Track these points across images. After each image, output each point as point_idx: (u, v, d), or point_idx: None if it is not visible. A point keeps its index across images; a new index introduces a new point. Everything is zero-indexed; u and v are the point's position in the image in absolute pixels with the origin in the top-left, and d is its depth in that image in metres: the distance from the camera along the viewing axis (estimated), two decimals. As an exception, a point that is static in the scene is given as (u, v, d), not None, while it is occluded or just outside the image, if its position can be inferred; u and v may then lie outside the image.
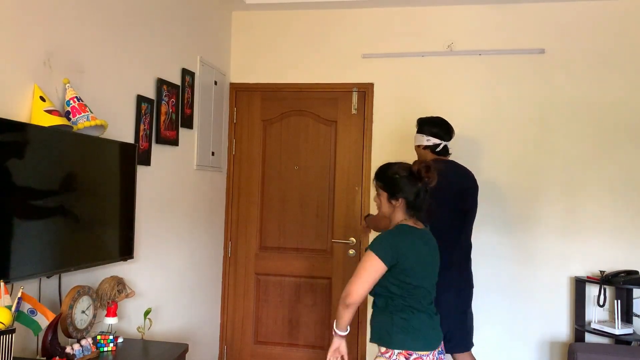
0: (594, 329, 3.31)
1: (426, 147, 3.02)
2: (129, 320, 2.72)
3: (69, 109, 2.15)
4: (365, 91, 3.90)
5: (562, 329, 3.58)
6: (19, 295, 1.74)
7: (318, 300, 3.94)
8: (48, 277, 2.10)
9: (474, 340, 3.02)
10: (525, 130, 3.67)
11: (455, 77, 3.77)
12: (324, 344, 3.90)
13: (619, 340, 3.25)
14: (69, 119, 2.14)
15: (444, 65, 3.79)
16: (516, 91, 3.69)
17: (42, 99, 2.01)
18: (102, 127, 2.23)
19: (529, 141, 3.66)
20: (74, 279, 2.28)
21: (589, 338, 3.44)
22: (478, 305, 3.65)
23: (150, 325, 2.60)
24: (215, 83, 3.77)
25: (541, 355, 3.60)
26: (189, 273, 3.46)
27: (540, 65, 3.66)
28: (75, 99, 2.17)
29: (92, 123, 2.15)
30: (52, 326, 1.97)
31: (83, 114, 2.16)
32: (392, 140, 3.82)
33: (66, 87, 2.19)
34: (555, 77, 3.64)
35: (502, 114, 3.70)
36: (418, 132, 3.08)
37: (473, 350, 2.99)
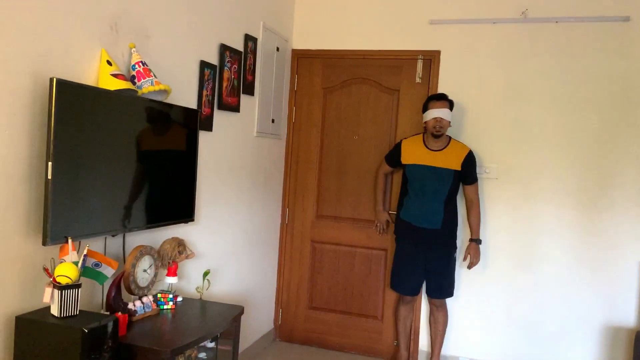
0: (665, 317, 3.13)
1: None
2: (188, 280, 2.81)
3: (134, 73, 2.20)
4: (432, 59, 3.76)
5: (630, 315, 3.41)
6: (85, 252, 1.82)
7: (373, 271, 3.93)
8: (113, 236, 2.18)
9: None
10: (604, 105, 3.43)
11: (528, 46, 3.56)
12: (378, 314, 3.91)
13: (692, 331, 3.06)
14: (134, 83, 2.18)
15: (517, 34, 3.58)
16: (596, 62, 3.44)
17: (108, 63, 2.06)
18: (165, 91, 2.26)
19: (608, 117, 3.43)
20: (137, 238, 2.37)
21: (659, 326, 3.26)
22: (539, 284, 3.54)
23: (209, 286, 2.68)
24: (278, 49, 3.75)
25: (605, 340, 3.45)
26: (247, 237, 3.53)
27: (624, 34, 3.39)
28: (140, 64, 2.21)
29: (156, 88, 2.19)
30: (116, 283, 2.06)
31: (147, 78, 2.19)
32: (458, 111, 3.68)
33: (132, 51, 2.23)
34: (638, 48, 3.36)
35: (579, 87, 3.47)
36: (452, 110, 3.35)
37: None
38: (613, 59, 3.41)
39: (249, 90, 3.36)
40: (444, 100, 3.34)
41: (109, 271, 1.97)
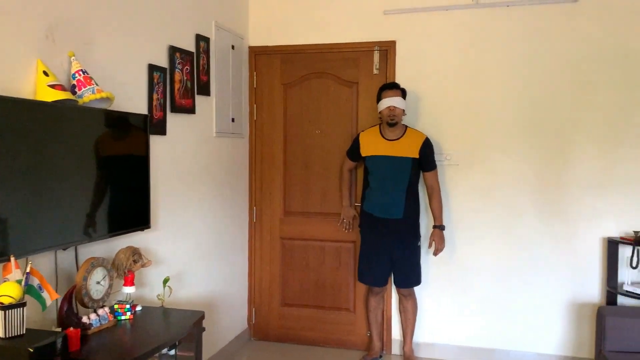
0: (627, 291, 3.20)
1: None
2: (151, 288, 2.78)
3: (74, 82, 2.15)
4: (387, 50, 3.76)
5: (594, 291, 3.47)
6: (27, 269, 1.78)
7: (343, 263, 3.93)
8: (64, 250, 2.14)
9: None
10: (558, 85, 3.48)
11: (482, 31, 3.58)
12: (350, 306, 3.92)
13: (653, 303, 3.12)
14: (75, 93, 2.13)
15: (470, 19, 3.60)
16: (547, 44, 3.47)
17: (45, 73, 2.01)
18: (108, 99, 2.22)
19: (562, 96, 3.47)
20: (91, 249, 2.33)
21: (622, 300, 3.32)
22: (505, 265, 3.59)
23: (170, 292, 2.65)
24: (233, 47, 3.71)
25: (571, 316, 3.51)
26: (213, 239, 3.51)
27: (573, 15, 3.42)
28: (80, 72, 2.16)
29: (98, 96, 2.15)
30: (68, 297, 2.03)
31: (88, 87, 2.15)
32: (415, 100, 3.69)
33: (71, 60, 2.18)
34: (588, 28, 3.40)
35: (532, 69, 3.51)
36: (404, 98, 3.38)
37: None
38: (563, 40, 3.44)
39: (205, 90, 3.33)
40: (396, 89, 3.35)
41: (49, 299, 1.89)
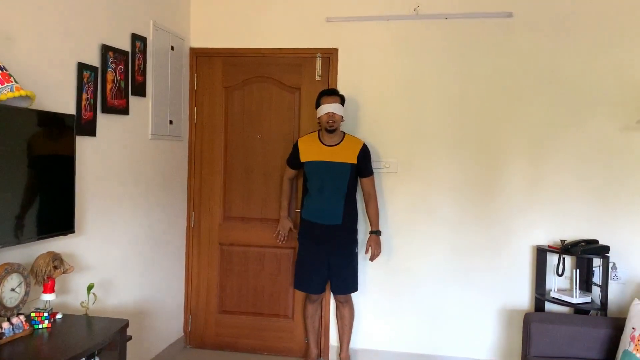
0: (553, 297, 3.31)
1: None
2: (76, 295, 2.67)
3: (-9, 78, 2.04)
4: (330, 57, 3.77)
5: (524, 298, 3.58)
6: None
7: (282, 270, 3.91)
8: (-24, 255, 2.03)
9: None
10: (491, 97, 3.58)
11: (421, 42, 3.65)
12: (288, 313, 3.90)
13: (578, 309, 3.25)
14: (-9, 90, 2.03)
15: (410, 30, 3.66)
16: (483, 57, 3.58)
17: (-44, 68, 1.90)
18: (28, 98, 2.12)
19: (495, 108, 3.58)
20: (9, 254, 2.21)
21: (551, 307, 3.44)
22: (441, 272, 3.65)
23: (95, 299, 2.55)
24: (172, 48, 3.64)
25: (502, 323, 3.61)
26: (147, 245, 3.41)
27: (508, 29, 3.54)
28: (-2, 69, 2.05)
29: (16, 94, 2.04)
30: (-24, 305, 1.91)
31: (7, 84, 2.04)
32: (356, 108, 3.72)
33: (-11, 55, 2.08)
34: (522, 42, 3.53)
35: (468, 81, 3.60)
36: (343, 104, 3.38)
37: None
38: (498, 54, 3.55)
39: (140, 91, 3.24)
40: (335, 95, 3.37)
41: None
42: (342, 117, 3.38)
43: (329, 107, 3.30)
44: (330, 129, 3.34)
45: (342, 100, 3.38)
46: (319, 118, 3.38)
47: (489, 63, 3.56)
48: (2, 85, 2.03)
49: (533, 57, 3.51)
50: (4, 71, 2.07)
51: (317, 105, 3.39)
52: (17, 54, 2.27)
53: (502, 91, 3.56)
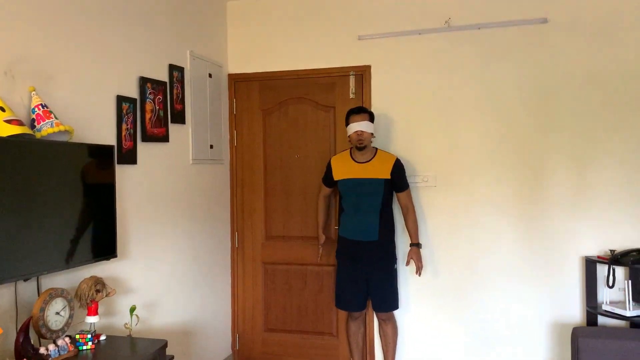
0: (605, 310, 3.16)
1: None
2: (122, 317, 2.79)
3: (34, 116, 2.20)
4: (363, 74, 3.81)
5: (575, 311, 3.43)
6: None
7: (325, 287, 3.93)
8: (25, 281, 2.17)
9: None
10: (530, 105, 3.49)
11: (454, 54, 3.62)
12: (332, 331, 3.90)
13: (633, 323, 3.08)
14: (34, 127, 2.18)
15: (442, 43, 3.64)
16: (519, 65, 3.50)
17: (1, 109, 2.06)
18: (67, 132, 2.27)
19: (535, 117, 3.48)
20: (54, 280, 2.35)
21: (605, 320, 3.28)
22: (487, 287, 3.56)
23: (138, 321, 2.66)
24: (210, 75, 3.77)
25: (554, 339, 3.47)
26: (192, 266, 3.52)
27: (544, 35, 3.46)
28: (40, 106, 2.21)
29: (56, 129, 2.19)
30: (24, 328, 2.04)
31: (47, 120, 2.20)
32: (391, 123, 3.72)
33: (32, 94, 2.24)
34: (559, 48, 3.43)
35: (503, 91, 3.53)
36: (372, 121, 3.39)
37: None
38: (534, 62, 3.47)
39: (179, 119, 3.38)
40: (362, 113, 3.38)
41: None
42: (372, 134, 3.39)
43: (357, 126, 3.32)
44: (360, 147, 3.36)
45: (371, 117, 3.39)
46: (348, 136, 3.41)
47: (524, 72, 3.48)
48: (43, 121, 2.19)
49: (571, 63, 3.41)
50: (46, 109, 2.23)
51: (347, 123, 3.42)
52: (57, 91, 2.43)
53: (540, 99, 3.47)
